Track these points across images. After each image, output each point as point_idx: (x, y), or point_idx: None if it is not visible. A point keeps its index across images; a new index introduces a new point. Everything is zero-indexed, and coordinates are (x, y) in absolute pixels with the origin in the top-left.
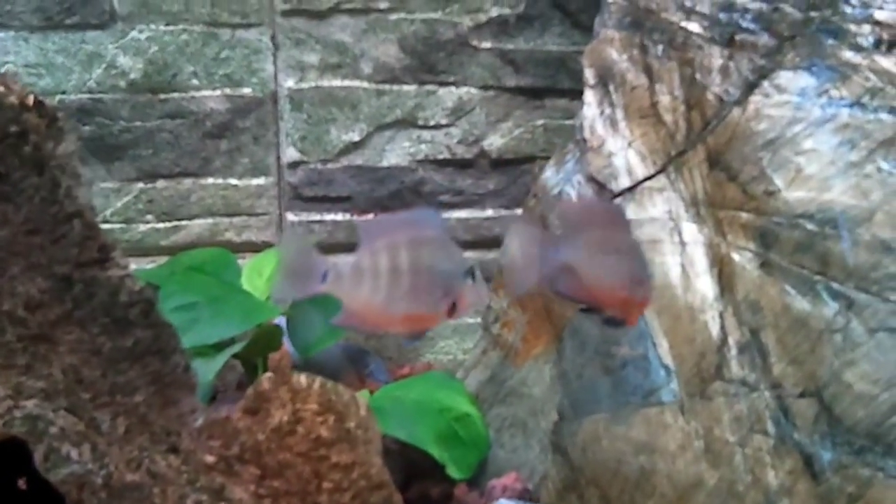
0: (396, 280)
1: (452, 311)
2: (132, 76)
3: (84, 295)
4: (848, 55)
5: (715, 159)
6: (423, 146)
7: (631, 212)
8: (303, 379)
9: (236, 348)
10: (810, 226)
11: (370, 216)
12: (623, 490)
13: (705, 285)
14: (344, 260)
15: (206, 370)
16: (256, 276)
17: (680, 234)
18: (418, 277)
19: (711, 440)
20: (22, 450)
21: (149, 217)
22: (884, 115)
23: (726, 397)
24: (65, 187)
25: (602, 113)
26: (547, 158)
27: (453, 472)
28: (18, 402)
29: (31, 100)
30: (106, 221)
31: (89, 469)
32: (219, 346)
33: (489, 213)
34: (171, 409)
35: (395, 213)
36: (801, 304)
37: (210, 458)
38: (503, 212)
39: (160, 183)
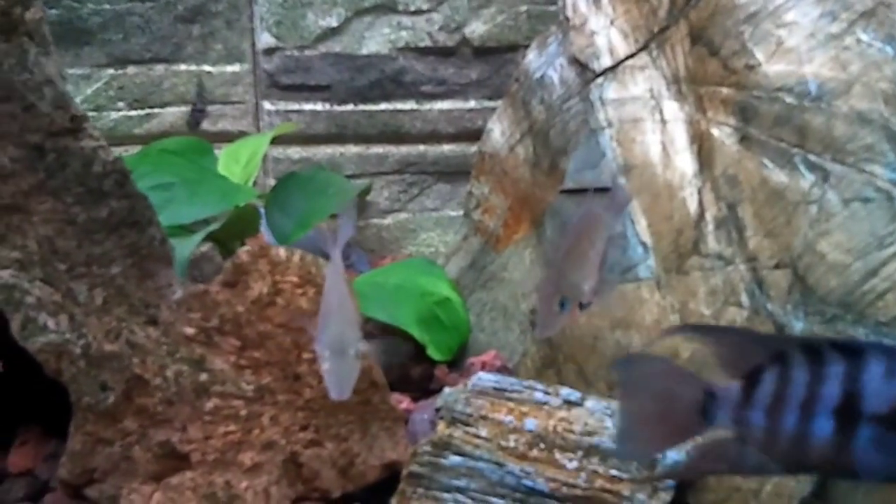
0: None
1: None
2: None
3: (57, 164)
4: None
5: (697, 35)
6: (403, 33)
7: (613, 91)
8: (282, 252)
9: (213, 227)
10: (789, 99)
11: None
12: (600, 365)
13: (685, 162)
14: None
15: (183, 248)
16: (233, 162)
17: (661, 112)
18: None
19: (687, 314)
20: None
21: (120, 104)
22: None
23: (702, 272)
24: (34, 54)
25: None
26: None
27: (434, 353)
28: None
29: None
30: None
31: (67, 339)
32: (194, 231)
33: (472, 104)
34: (149, 282)
35: None
36: (779, 176)
37: (189, 330)
38: (486, 103)
39: (131, 69)
